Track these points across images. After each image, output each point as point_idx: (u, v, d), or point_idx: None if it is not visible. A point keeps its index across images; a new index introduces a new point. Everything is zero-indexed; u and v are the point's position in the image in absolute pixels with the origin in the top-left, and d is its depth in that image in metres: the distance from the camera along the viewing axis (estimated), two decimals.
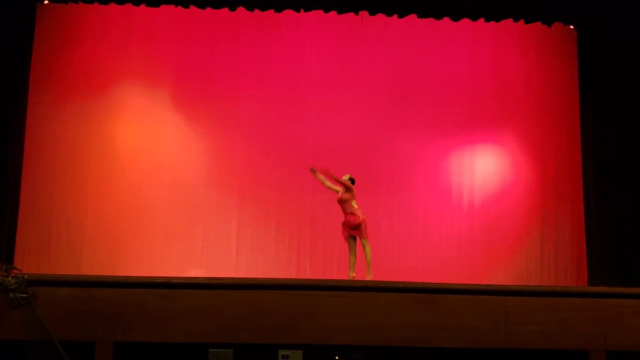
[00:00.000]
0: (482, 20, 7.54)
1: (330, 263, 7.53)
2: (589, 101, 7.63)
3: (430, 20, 7.50)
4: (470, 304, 3.24)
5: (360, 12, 7.39)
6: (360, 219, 6.04)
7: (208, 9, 7.29)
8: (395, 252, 7.93)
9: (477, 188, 8.15)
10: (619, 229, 7.02)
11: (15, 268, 3.14)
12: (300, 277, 7.50)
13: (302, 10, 7.40)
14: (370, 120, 8.19)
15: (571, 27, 7.91)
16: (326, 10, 7.41)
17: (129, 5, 7.25)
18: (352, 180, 6.22)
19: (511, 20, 7.56)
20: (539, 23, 7.62)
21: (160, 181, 7.74)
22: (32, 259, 7.18)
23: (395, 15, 7.36)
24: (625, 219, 6.99)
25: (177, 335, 3.10)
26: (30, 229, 7.35)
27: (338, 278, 7.12)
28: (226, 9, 7.30)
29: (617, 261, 6.91)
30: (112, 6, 7.31)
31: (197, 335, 3.11)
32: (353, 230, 6.10)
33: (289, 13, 7.46)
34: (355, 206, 6.10)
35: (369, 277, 5.84)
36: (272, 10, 7.38)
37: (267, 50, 8.14)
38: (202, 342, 3.13)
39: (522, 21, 7.59)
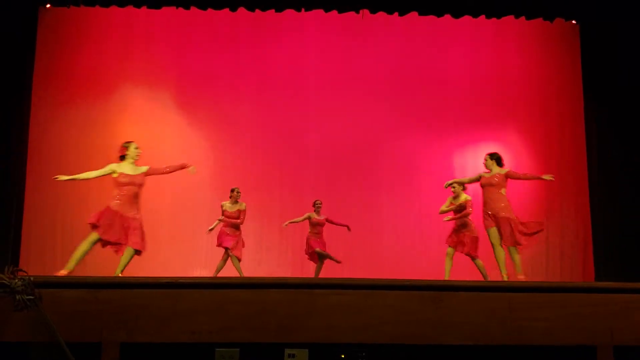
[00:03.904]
0: (483, 17, 7.52)
1: (334, 262, 7.52)
2: (592, 96, 7.60)
3: (432, 17, 7.48)
4: (476, 301, 3.23)
5: (360, 11, 7.39)
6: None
7: (209, 10, 7.29)
8: (399, 250, 7.93)
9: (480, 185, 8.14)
10: (624, 223, 6.99)
11: (21, 270, 3.14)
12: (304, 276, 7.50)
13: (302, 9, 7.40)
14: (372, 119, 8.19)
15: (573, 22, 7.88)
16: (327, 10, 7.40)
17: (130, 8, 7.26)
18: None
19: (512, 17, 7.54)
20: (540, 19, 7.60)
21: (163, 182, 7.73)
22: (37, 261, 7.19)
23: (396, 14, 7.35)
24: (631, 213, 6.96)
25: (182, 335, 3.10)
26: (34, 231, 7.37)
27: (342, 276, 7.11)
28: (227, 10, 7.31)
29: (623, 256, 6.89)
30: (114, 9, 7.32)
31: (203, 335, 3.11)
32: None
33: (289, 13, 7.46)
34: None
35: None
36: (272, 10, 7.38)
37: (267, 51, 8.15)
38: (208, 342, 3.13)
39: (523, 18, 7.56)
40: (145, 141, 7.89)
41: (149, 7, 7.18)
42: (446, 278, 6.03)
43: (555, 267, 7.91)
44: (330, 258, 7.34)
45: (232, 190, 6.99)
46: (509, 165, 8.29)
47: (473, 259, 6.27)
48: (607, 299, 3.28)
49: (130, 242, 5.15)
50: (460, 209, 6.23)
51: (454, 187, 6.32)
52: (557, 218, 8.02)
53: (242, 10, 7.28)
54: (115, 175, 5.25)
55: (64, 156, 7.68)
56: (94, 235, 5.12)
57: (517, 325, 3.19)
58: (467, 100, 8.25)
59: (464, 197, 6.29)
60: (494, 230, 5.72)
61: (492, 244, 5.80)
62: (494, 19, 7.62)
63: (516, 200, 8.03)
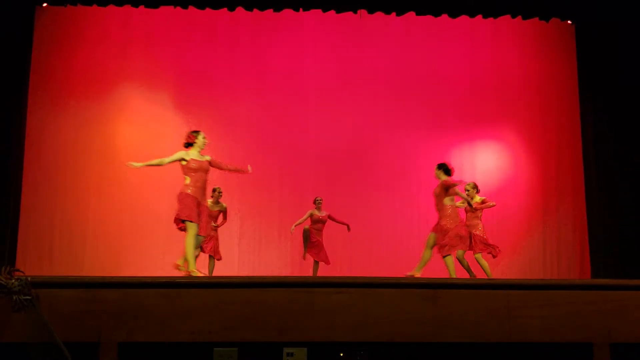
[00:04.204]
0: (480, 16, 7.54)
1: (333, 260, 7.53)
2: (588, 95, 7.63)
3: (429, 17, 7.50)
4: (474, 298, 3.24)
5: (358, 11, 7.40)
6: None
7: (207, 9, 7.29)
8: (397, 249, 7.94)
9: (478, 184, 8.16)
10: (620, 221, 7.02)
11: (18, 270, 3.13)
12: (303, 274, 7.51)
13: (300, 9, 7.40)
14: (370, 118, 8.20)
15: (569, 22, 7.91)
16: (325, 10, 7.42)
17: (127, 7, 7.26)
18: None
19: (509, 16, 7.56)
20: (536, 19, 7.62)
21: (161, 182, 7.74)
22: (34, 262, 7.19)
23: (394, 13, 7.36)
24: (627, 211, 7.00)
25: (181, 334, 3.10)
26: (31, 231, 7.36)
27: (341, 275, 7.12)
28: (225, 10, 7.31)
29: (620, 254, 6.92)
30: (111, 8, 7.32)
31: (202, 334, 3.10)
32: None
33: (287, 12, 7.46)
34: None
35: None
36: (270, 10, 7.38)
37: (266, 50, 8.16)
38: (206, 342, 3.12)
39: (519, 17, 7.58)
40: (144, 141, 7.92)
41: (147, 6, 7.19)
42: (470, 276, 6.09)
43: (552, 265, 7.94)
44: (304, 250, 7.29)
45: (214, 190, 6.97)
46: (505, 164, 8.36)
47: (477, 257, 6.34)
48: (604, 297, 3.29)
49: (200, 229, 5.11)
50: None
51: (467, 191, 6.39)
52: (554, 216, 8.04)
53: (240, 9, 7.29)
54: (184, 162, 5.21)
55: (61, 156, 7.67)
56: (192, 229, 5.03)
57: (515, 323, 3.20)
58: (466, 99, 8.27)
59: (478, 199, 6.40)
60: (432, 235, 5.79)
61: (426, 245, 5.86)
62: (490, 19, 7.64)
63: (514, 199, 8.08)
